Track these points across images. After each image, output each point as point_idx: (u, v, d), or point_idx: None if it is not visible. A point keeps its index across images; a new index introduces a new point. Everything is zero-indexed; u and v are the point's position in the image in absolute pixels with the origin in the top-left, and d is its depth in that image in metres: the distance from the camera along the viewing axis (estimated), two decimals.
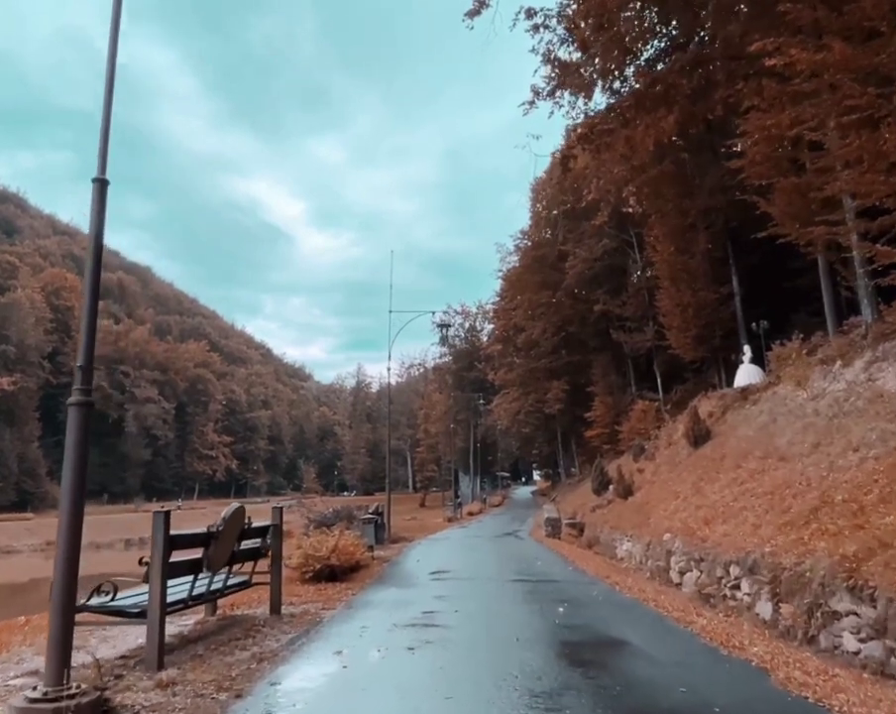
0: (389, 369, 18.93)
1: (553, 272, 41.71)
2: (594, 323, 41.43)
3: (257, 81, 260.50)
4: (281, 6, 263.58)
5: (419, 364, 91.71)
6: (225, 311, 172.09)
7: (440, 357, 70.90)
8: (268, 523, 6.04)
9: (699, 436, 18.25)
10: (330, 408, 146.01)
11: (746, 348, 22.99)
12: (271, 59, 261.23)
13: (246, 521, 5.45)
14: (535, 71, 16.76)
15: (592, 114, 15.84)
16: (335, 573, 9.86)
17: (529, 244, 45.78)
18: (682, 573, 9.85)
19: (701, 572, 9.06)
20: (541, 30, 17.10)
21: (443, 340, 21.77)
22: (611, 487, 22.51)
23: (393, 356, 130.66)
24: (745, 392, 19.02)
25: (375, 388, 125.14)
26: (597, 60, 15.42)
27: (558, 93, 17.20)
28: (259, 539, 5.80)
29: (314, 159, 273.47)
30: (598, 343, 42.56)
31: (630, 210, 32.60)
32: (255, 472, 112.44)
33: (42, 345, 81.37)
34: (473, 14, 16.06)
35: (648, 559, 11.88)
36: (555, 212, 42.98)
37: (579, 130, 15.70)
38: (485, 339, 67.19)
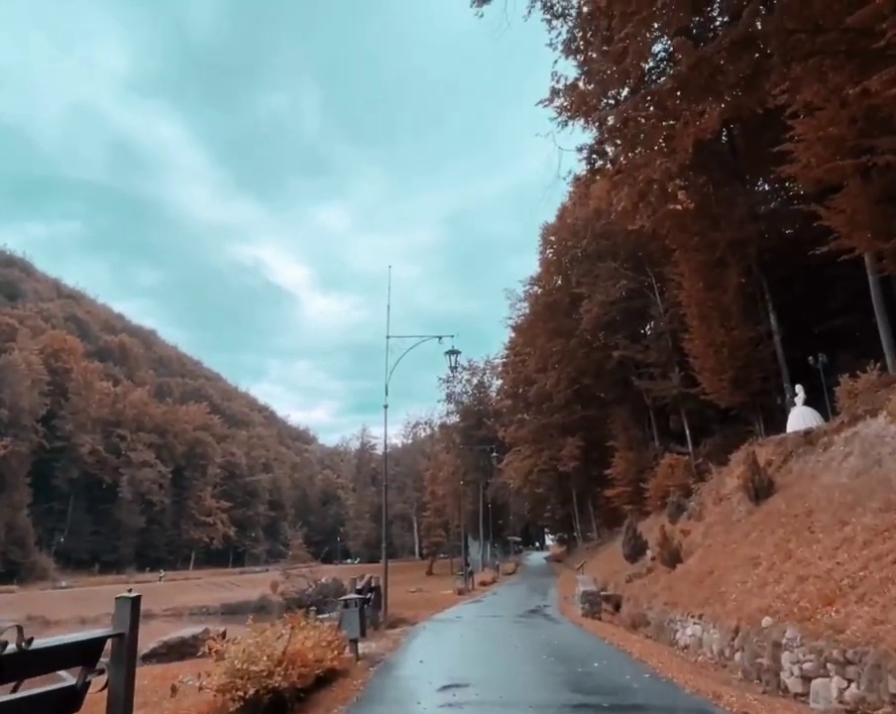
0: (385, 407, 15.97)
1: (566, 319, 39.16)
2: (611, 373, 38.59)
3: (262, 152, 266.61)
4: (286, 82, 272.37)
5: (425, 423, 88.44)
6: (230, 375, 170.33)
7: (447, 415, 67.86)
8: (94, 634, 2.78)
9: (760, 489, 15.17)
10: (334, 471, 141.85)
11: (799, 388, 20.04)
12: (276, 132, 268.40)
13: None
14: (555, 62, 14.49)
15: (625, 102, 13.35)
16: (283, 701, 6.08)
17: (540, 290, 43.37)
18: (808, 678, 6.72)
19: (850, 681, 5.96)
20: (558, 19, 14.92)
21: (452, 369, 19.06)
22: (648, 552, 19.24)
23: (398, 418, 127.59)
24: (809, 436, 16.06)
25: (380, 450, 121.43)
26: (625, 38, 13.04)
27: (581, 86, 14.88)
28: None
29: (319, 226, 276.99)
30: (616, 395, 39.63)
31: (644, 227, 30.18)
32: (254, 539, 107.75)
33: (36, 408, 78.69)
34: (481, 2, 13.73)
35: (736, 652, 8.72)
36: (566, 258, 40.75)
37: (610, 121, 13.20)
38: (494, 395, 64.29)
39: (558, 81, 14.41)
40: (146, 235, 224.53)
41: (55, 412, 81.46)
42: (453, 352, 16.33)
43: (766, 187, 28.83)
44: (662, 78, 13.47)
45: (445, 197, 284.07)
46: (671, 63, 13.88)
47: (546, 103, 14.31)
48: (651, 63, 19.68)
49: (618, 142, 14.29)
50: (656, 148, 13.37)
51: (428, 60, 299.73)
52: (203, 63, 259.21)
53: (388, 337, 15.77)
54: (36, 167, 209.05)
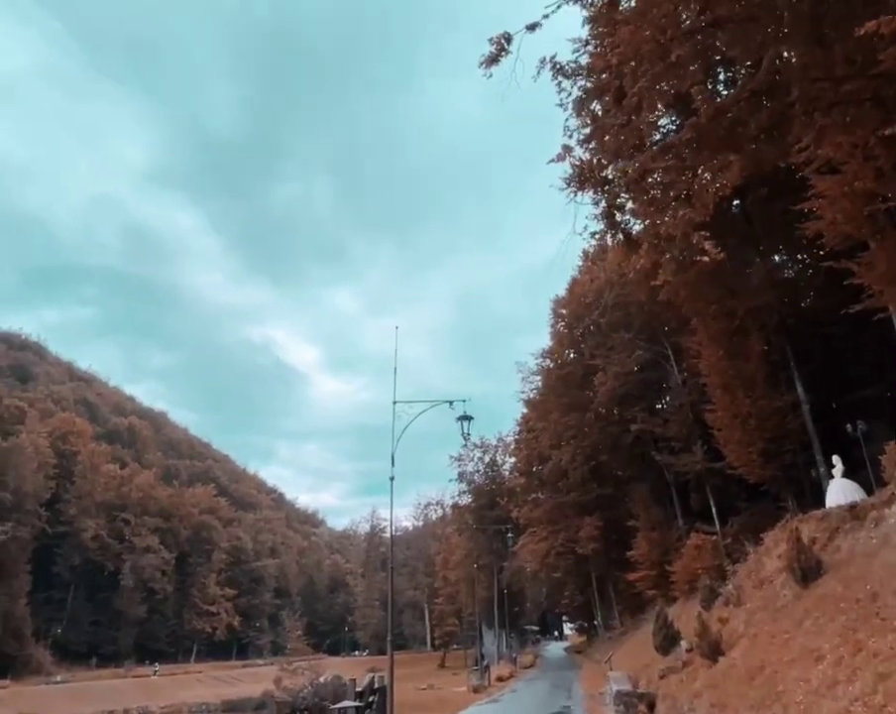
0: (392, 479, 14.74)
1: (580, 392, 38.02)
2: (629, 448, 37.09)
3: (276, 239, 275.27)
4: (300, 172, 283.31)
5: (436, 503, 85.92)
6: (239, 457, 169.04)
7: (459, 495, 65.66)
8: None
9: (807, 570, 13.65)
10: (342, 555, 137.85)
11: (836, 459, 18.63)
12: (290, 219, 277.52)
13: None
14: (566, 119, 13.97)
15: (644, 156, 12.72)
16: None
17: (552, 364, 42.42)
18: None
19: None
20: (568, 79, 14.54)
21: (464, 437, 17.78)
22: (682, 643, 17.44)
23: (409, 500, 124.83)
24: (855, 510, 14.67)
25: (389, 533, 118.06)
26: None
27: (594, 144, 14.35)
28: None
29: (329, 308, 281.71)
30: (635, 471, 38.00)
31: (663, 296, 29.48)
32: (258, 630, 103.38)
33: (40, 492, 77.18)
34: (490, 62, 13.31)
35: None
36: (578, 330, 40.04)
37: (630, 172, 12.53)
38: (507, 474, 62.38)
39: (570, 136, 13.88)
40: (159, 319, 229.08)
41: (59, 495, 79.97)
42: (465, 418, 15.19)
43: (784, 256, 28.21)
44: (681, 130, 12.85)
45: (454, 279, 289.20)
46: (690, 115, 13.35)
47: (559, 159, 13.71)
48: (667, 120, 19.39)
49: (636, 197, 13.58)
50: (677, 200, 12.63)
51: (439, 150, 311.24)
52: (220, 155, 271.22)
53: (394, 402, 14.70)
54: (54, 255, 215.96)
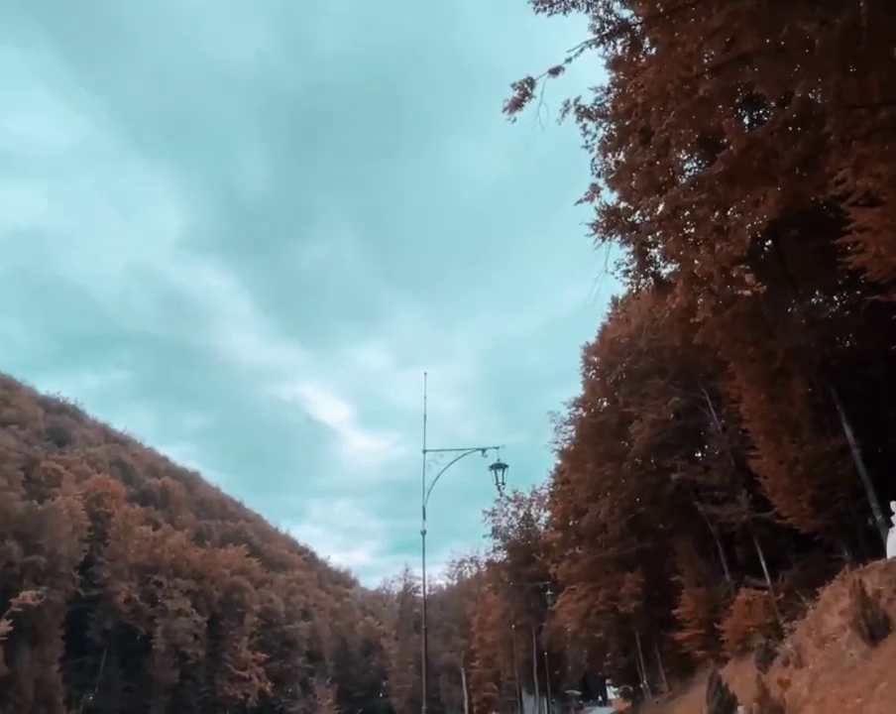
0: (423, 533, 14.10)
1: (616, 441, 37.02)
2: (669, 498, 35.72)
3: (305, 298, 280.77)
4: (327, 233, 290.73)
5: (471, 560, 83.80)
6: (271, 516, 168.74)
7: (493, 551, 63.93)
8: None
9: (874, 626, 12.59)
10: (376, 617, 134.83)
11: (895, 505, 17.51)
12: (318, 279, 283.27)
13: None
14: (592, 160, 13.82)
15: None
16: None
17: (585, 413, 41.50)
18: None
19: None
20: (593, 121, 14.44)
21: (499, 487, 16.95)
22: (739, 709, 16.18)
23: (442, 558, 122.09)
24: None
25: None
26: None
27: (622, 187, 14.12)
28: None
29: (358, 364, 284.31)
30: (676, 523, 36.50)
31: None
32: (291, 696, 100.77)
33: (75, 554, 77.31)
34: (514, 107, 13.28)
35: None
36: (611, 378, 39.23)
37: (661, 208, 12.19)
38: (542, 529, 60.70)
39: (598, 175, 13.69)
40: (192, 380, 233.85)
41: (93, 558, 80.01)
42: (499, 466, 14.59)
43: (822, 296, 27.39)
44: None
45: (482, 332, 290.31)
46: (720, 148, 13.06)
47: (587, 198, 13.48)
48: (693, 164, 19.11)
49: (667, 235, 13.21)
50: (711, 235, 12.19)
51: (463, 205, 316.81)
52: (250, 219, 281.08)
53: (424, 451, 14.20)
54: (93, 321, 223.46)
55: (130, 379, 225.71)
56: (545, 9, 12.36)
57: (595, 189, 14.26)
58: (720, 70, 13.27)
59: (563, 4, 12.28)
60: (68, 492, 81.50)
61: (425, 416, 15.29)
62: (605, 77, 15.32)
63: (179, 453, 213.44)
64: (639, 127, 14.61)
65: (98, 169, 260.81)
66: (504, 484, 14.89)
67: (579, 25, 13.27)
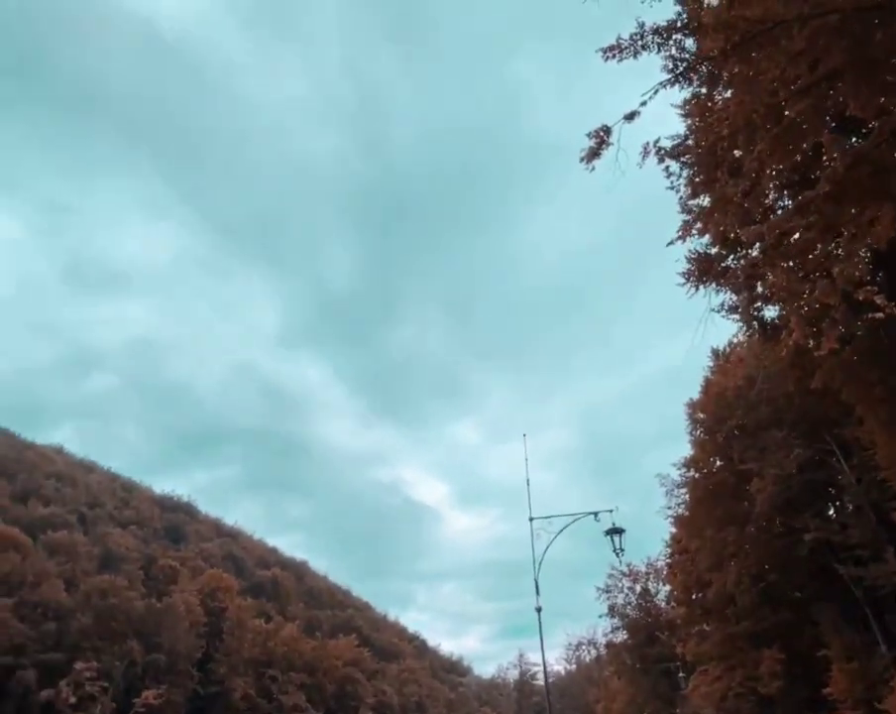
0: (538, 610, 12.98)
1: (735, 502, 34.17)
2: (804, 562, 32.25)
3: (396, 380, 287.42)
4: (413, 315, 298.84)
5: (588, 642, 78.95)
6: (378, 603, 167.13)
7: (611, 631, 59.81)
8: None
9: None
10: (493, 707, 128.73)
11: None
12: (407, 360, 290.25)
13: None
14: (680, 199, 13.09)
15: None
16: None
17: (697, 474, 38.82)
18: None
19: None
20: (675, 160, 13.83)
21: (617, 553, 15.46)
22: None
23: (557, 641, 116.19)
24: None
25: (541, 679, 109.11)
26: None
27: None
28: None
29: (452, 441, 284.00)
30: (815, 589, 32.83)
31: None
32: None
33: (193, 651, 79.01)
34: (591, 156, 12.95)
35: None
36: (721, 434, 36.69)
37: (766, 235, 11.24)
38: (663, 604, 56.48)
39: (688, 212, 12.93)
40: (295, 470, 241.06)
41: (210, 653, 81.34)
42: (615, 531, 13.34)
43: None
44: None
45: (573, 399, 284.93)
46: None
47: (681, 236, 12.72)
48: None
49: (774, 266, 12.14)
50: (826, 261, 11.08)
51: (544, 272, 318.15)
52: (340, 309, 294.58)
53: (531, 519, 13.23)
54: (200, 419, 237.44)
55: (237, 473, 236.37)
56: (614, 56, 12.06)
57: (687, 226, 13.49)
58: (809, 92, 12.46)
59: (633, 48, 11.95)
60: (185, 588, 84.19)
61: (528, 480, 14.36)
62: (678, 125, 14.77)
63: (287, 543, 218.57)
64: (727, 160, 13.87)
65: (197, 277, 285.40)
66: (622, 550, 13.58)
67: (643, 80, 12.82)
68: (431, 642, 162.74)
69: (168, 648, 74.12)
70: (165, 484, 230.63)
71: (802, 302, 12.48)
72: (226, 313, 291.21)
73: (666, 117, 14.48)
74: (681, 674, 46.24)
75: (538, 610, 12.80)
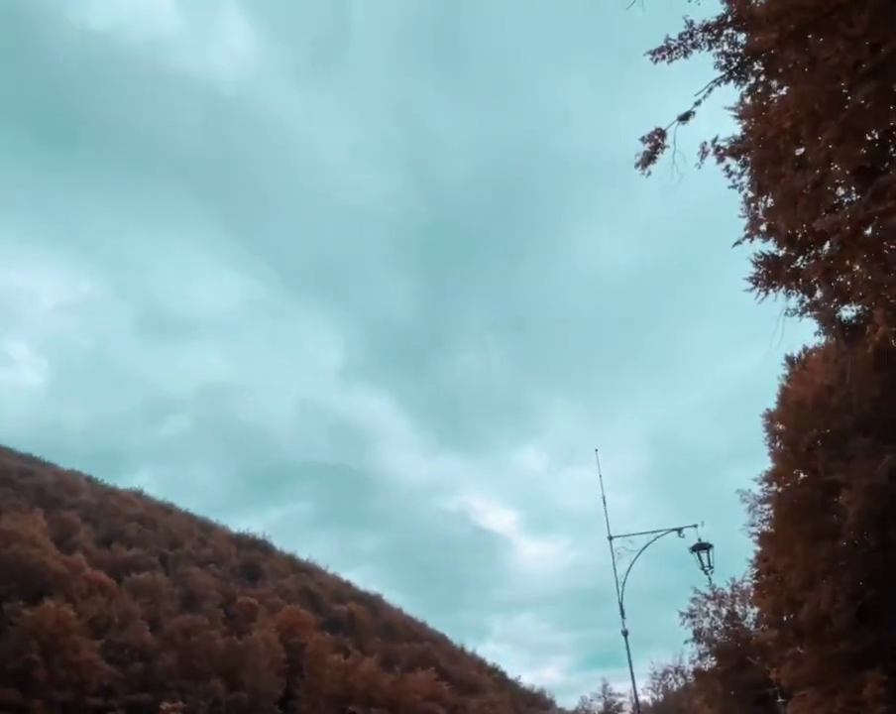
0: (625, 633, 12.41)
1: (824, 516, 32.19)
2: None
3: (460, 410, 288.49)
4: (472, 343, 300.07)
5: (675, 670, 75.60)
6: (455, 635, 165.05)
7: (699, 658, 56.99)
8: None
9: None
10: None
11: None
12: (469, 388, 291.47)
13: None
14: (745, 196, 12.60)
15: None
16: None
17: (780, 489, 36.92)
18: None
19: None
20: (736, 158, 13.39)
21: (705, 571, 14.47)
22: None
23: (641, 670, 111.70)
24: None
25: (627, 710, 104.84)
26: None
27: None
28: None
29: (519, 467, 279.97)
30: None
31: None
32: None
33: (274, 689, 79.85)
34: (647, 160, 12.69)
35: None
36: (803, 445, 34.84)
37: (843, 224, 10.65)
38: (752, 628, 53.61)
39: (752, 213, 12.40)
40: (364, 503, 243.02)
41: (290, 691, 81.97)
42: (702, 547, 12.61)
43: None
44: None
45: (642, 418, 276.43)
46: None
47: (749, 234, 12.23)
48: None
49: (853, 257, 11.46)
50: None
51: (602, 291, 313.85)
52: (400, 341, 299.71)
53: (610, 538, 12.71)
54: (271, 457, 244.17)
55: (308, 508, 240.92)
56: (664, 58, 11.82)
57: (754, 224, 12.95)
58: (873, 75, 11.86)
59: (683, 48, 11.68)
60: (264, 625, 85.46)
61: (604, 497, 13.86)
62: (733, 127, 14.28)
63: (360, 577, 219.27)
64: (790, 154, 13.28)
65: (262, 320, 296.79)
66: (711, 568, 12.79)
67: (691, 88, 12.49)
68: (511, 674, 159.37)
69: (250, 685, 75.13)
70: (240, 522, 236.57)
71: (887, 296, 11.73)
72: (290, 353, 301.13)
73: (720, 120, 14.06)
74: (780, 700, 43.57)
75: (625, 633, 12.19)
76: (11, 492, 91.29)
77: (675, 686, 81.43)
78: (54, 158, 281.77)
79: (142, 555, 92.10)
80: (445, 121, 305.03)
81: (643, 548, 12.37)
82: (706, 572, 12.69)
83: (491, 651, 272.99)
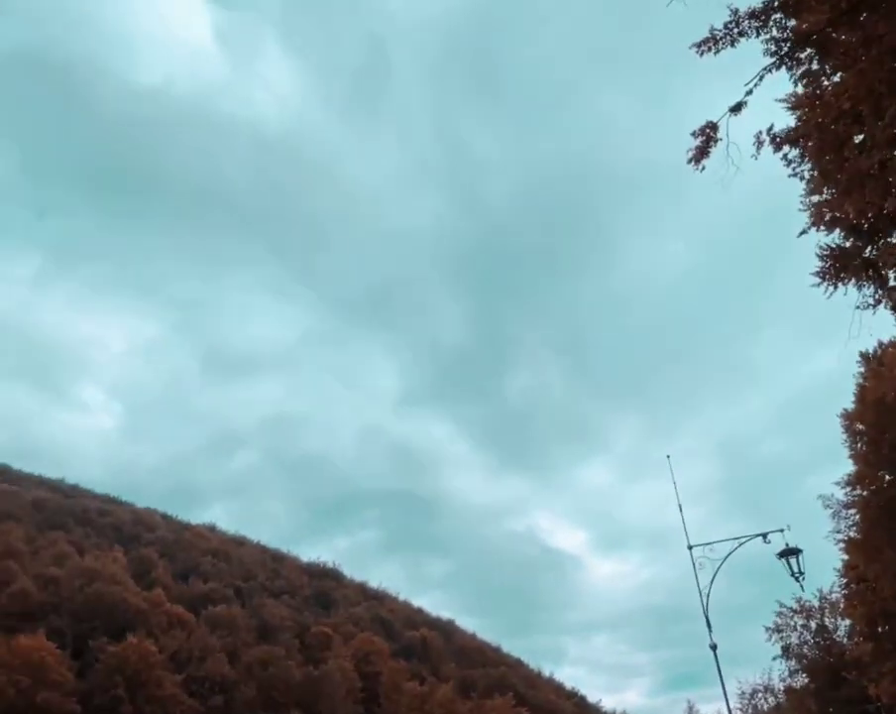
0: (713, 648, 11.80)
1: None
2: None
3: (520, 429, 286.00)
4: (529, 361, 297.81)
5: (764, 689, 71.79)
6: (531, 659, 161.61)
7: (789, 675, 54.03)
8: None
9: None
10: None
11: None
12: (527, 407, 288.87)
13: None
14: (808, 183, 12.08)
15: None
16: None
17: (865, 492, 34.90)
18: None
19: None
20: (792, 146, 12.91)
21: (796, 577, 13.45)
22: None
23: (728, 689, 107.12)
24: None
25: None
26: None
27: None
28: None
29: (584, 485, 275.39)
30: None
31: None
32: None
33: None
34: (700, 155, 12.37)
35: None
36: (886, 445, 32.91)
37: None
38: (845, 640, 50.55)
39: (813, 202, 11.86)
40: (430, 528, 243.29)
41: None
42: (791, 551, 11.84)
43: None
44: None
45: (708, 428, 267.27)
46: None
47: (815, 222, 11.70)
48: None
49: None
50: None
51: (659, 302, 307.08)
52: (456, 365, 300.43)
53: (689, 547, 12.15)
54: (336, 486, 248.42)
55: (376, 535, 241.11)
56: (710, 49, 11.49)
57: (819, 214, 12.38)
58: None
59: (729, 37, 11.32)
60: (339, 654, 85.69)
61: (680, 505, 13.30)
62: (786, 118, 13.76)
63: (431, 602, 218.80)
64: (852, 135, 12.67)
65: (320, 350, 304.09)
66: (802, 574, 11.96)
67: (734, 88, 12.12)
68: (590, 698, 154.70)
69: None
70: (310, 552, 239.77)
71: None
72: (349, 381, 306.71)
73: (771, 113, 13.58)
74: None
75: (713, 647, 11.54)
76: (91, 532, 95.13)
77: (765, 706, 77.30)
78: (115, 209, 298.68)
79: (217, 589, 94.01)
80: (487, 141, 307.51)
81: (728, 555, 11.72)
82: (797, 579, 11.84)
83: (568, 674, 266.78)
